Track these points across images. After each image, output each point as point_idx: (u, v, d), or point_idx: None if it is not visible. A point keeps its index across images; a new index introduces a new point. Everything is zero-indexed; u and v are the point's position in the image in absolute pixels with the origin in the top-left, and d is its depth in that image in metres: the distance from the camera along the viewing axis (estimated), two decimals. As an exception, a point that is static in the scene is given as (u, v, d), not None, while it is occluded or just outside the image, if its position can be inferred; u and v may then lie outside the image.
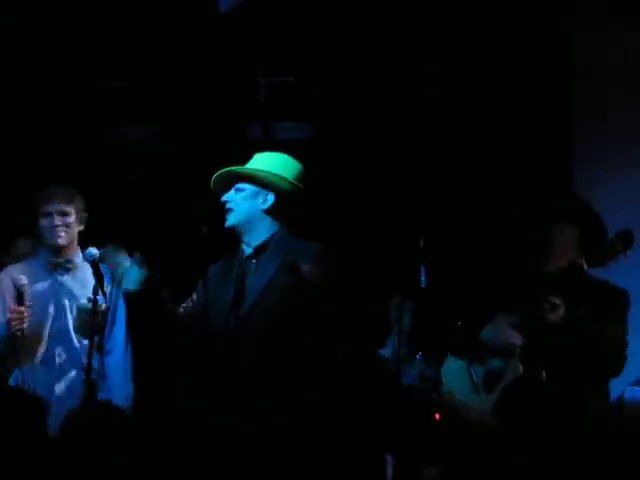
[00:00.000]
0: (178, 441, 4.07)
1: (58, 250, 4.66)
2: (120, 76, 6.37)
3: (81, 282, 4.68)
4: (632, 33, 5.92)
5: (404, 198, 6.03)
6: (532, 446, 4.14)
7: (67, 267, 4.67)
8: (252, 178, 4.18)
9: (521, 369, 4.29)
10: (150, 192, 6.24)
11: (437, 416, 4.49)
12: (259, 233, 4.20)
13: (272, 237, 4.19)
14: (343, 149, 6.19)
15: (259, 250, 4.19)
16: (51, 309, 4.60)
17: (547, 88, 6.09)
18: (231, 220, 4.19)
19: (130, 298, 4.26)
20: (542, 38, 6.07)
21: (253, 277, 4.16)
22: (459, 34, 6.09)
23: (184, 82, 6.32)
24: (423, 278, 4.57)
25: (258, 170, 4.17)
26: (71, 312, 4.60)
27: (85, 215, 4.73)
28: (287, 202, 4.19)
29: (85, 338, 4.41)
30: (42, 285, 4.64)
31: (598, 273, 4.34)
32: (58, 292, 4.65)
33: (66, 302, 4.64)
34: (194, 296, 4.25)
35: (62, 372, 4.55)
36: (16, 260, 5.49)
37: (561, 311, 4.19)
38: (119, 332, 4.74)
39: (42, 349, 4.55)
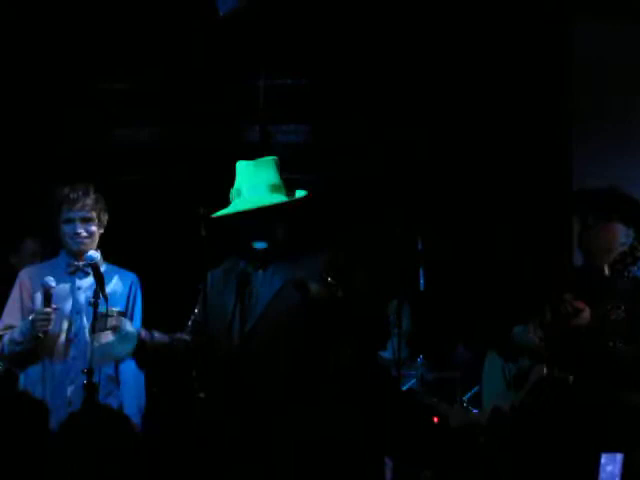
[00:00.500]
0: (185, 449, 4.07)
1: (78, 254, 4.61)
2: (120, 78, 6.38)
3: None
4: (632, 33, 5.93)
5: (401, 202, 6.03)
6: (549, 447, 4.13)
7: (86, 271, 4.63)
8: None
9: (545, 371, 4.29)
10: (149, 194, 6.25)
11: (435, 420, 4.51)
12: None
13: (276, 246, 4.16)
14: (341, 152, 6.20)
15: (263, 261, 4.17)
16: (69, 312, 4.59)
17: (546, 88, 6.10)
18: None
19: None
20: (542, 38, 6.07)
21: (257, 290, 4.12)
22: (459, 34, 6.09)
23: (184, 85, 6.33)
24: (422, 281, 4.58)
25: (260, 206, 4.08)
26: (88, 316, 4.55)
27: (106, 217, 4.60)
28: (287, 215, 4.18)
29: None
30: (62, 287, 4.61)
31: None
32: (77, 295, 4.62)
33: (84, 305, 4.61)
34: (196, 310, 4.23)
35: (77, 374, 4.53)
36: (25, 260, 5.51)
37: (586, 314, 4.14)
38: None
39: (60, 351, 4.54)
